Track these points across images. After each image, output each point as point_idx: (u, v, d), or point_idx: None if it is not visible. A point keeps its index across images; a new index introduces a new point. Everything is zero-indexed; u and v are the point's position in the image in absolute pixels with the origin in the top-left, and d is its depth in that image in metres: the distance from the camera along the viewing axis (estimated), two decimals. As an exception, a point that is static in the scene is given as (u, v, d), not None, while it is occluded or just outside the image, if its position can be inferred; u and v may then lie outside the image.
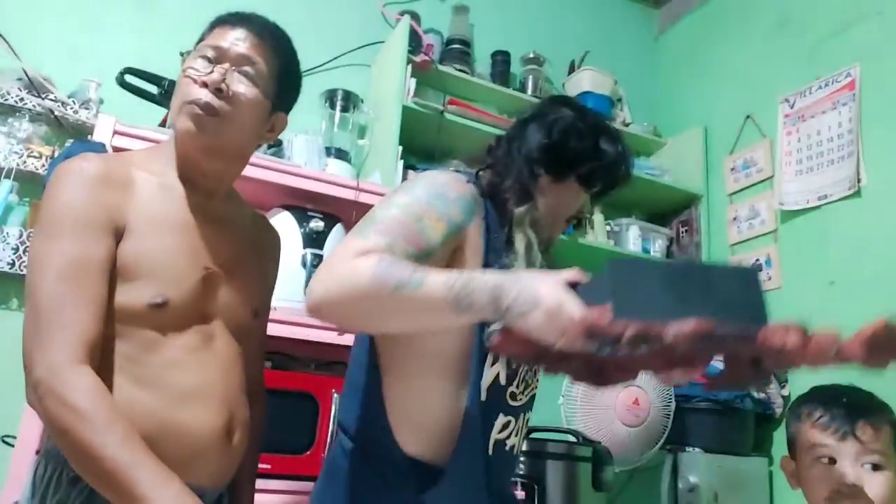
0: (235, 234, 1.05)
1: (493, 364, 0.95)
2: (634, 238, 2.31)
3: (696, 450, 1.86)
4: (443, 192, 0.92)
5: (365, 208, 1.69)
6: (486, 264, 0.94)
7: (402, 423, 0.94)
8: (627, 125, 2.62)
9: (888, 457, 0.93)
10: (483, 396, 0.94)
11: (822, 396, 1.00)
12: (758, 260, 2.19)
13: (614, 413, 1.76)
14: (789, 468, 1.05)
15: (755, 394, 1.90)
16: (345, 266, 0.79)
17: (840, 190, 1.95)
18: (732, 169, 2.39)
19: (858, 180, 1.90)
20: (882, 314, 0.68)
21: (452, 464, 0.92)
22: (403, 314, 0.80)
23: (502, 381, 0.97)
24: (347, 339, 1.24)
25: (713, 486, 1.79)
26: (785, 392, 1.95)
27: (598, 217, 2.32)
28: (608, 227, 2.35)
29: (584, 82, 2.56)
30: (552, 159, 1.02)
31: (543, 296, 0.73)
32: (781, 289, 2.08)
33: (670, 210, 2.54)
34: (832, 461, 0.95)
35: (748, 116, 2.37)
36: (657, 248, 2.41)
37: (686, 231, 2.48)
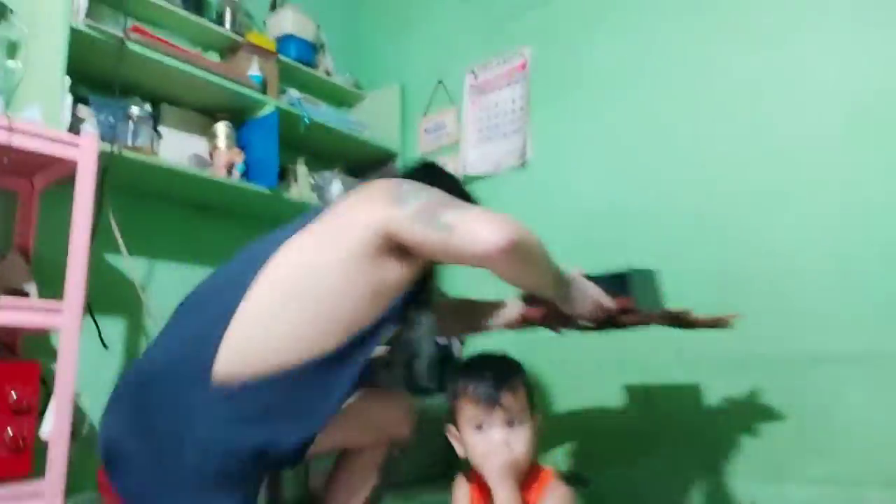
0: None
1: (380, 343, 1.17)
2: (338, 192, 2.34)
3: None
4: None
5: (20, 155, 1.42)
6: None
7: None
8: (329, 74, 2.60)
9: (525, 412, 1.15)
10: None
11: (472, 371, 1.17)
12: (443, 217, 2.40)
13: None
14: (454, 435, 1.20)
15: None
16: (511, 222, 1.05)
17: (511, 161, 2.24)
18: (426, 130, 2.55)
19: (525, 153, 2.20)
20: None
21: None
22: (538, 274, 1.15)
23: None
24: None
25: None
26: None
27: (301, 169, 2.28)
28: (312, 181, 2.32)
29: (286, 23, 2.45)
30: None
31: (591, 292, 1.25)
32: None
33: (369, 164, 2.62)
34: (482, 427, 1.14)
35: (440, 81, 2.54)
36: (355, 202, 2.47)
37: (382, 186, 2.60)
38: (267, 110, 2.15)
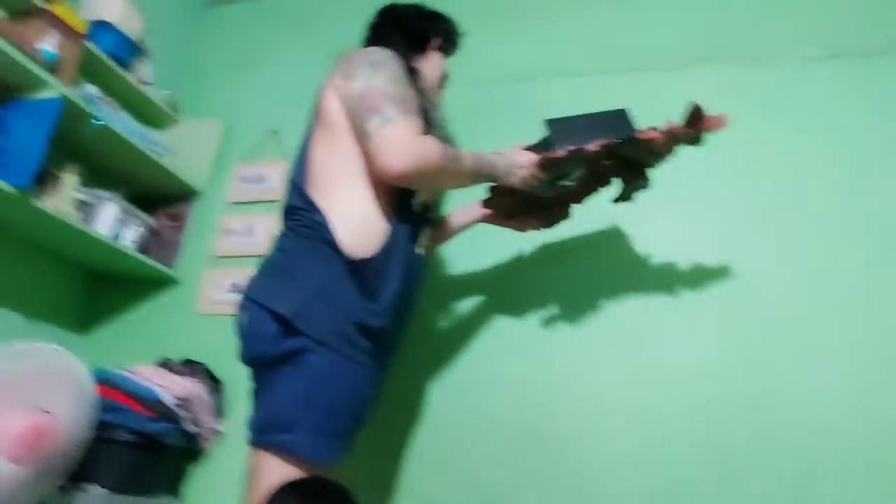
0: None
1: None
2: (109, 218, 1.89)
3: (100, 489, 1.53)
4: (398, 65, 1.25)
5: None
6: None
7: (344, 229, 1.18)
8: (145, 84, 2.20)
9: None
10: (416, 209, 1.29)
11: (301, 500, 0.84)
12: (238, 281, 2.05)
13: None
14: None
15: (188, 428, 1.70)
16: (418, 144, 1.16)
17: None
18: (242, 178, 2.22)
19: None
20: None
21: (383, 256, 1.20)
22: (450, 180, 1.25)
23: (428, 201, 1.34)
24: None
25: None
26: (220, 428, 1.82)
27: (69, 178, 1.80)
28: (79, 196, 1.85)
29: (109, 8, 2.05)
30: (419, 41, 1.44)
31: (520, 160, 1.30)
32: (250, 317, 1.97)
33: (161, 196, 2.20)
34: None
35: (274, 131, 2.26)
36: (130, 237, 2.02)
37: (173, 227, 2.18)
38: (48, 94, 1.70)
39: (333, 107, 1.23)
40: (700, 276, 1.57)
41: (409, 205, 1.27)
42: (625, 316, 1.60)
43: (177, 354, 1.92)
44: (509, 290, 1.74)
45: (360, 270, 1.17)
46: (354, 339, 1.16)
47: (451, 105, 1.55)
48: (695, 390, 1.48)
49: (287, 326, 1.11)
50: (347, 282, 1.16)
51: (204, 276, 2.10)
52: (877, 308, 1.41)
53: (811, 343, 1.44)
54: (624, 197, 1.44)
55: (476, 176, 1.27)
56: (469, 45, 1.55)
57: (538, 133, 1.33)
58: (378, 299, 1.19)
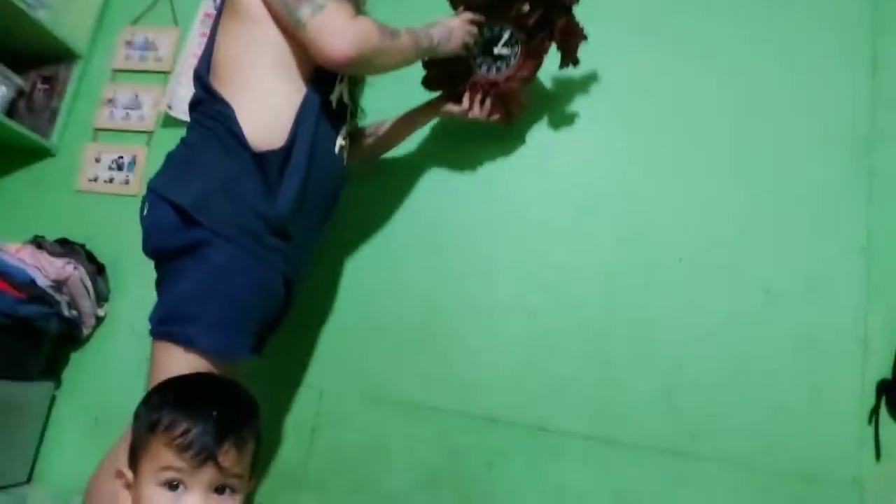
0: None
1: (340, 81, 1.29)
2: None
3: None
4: None
5: None
6: None
7: (251, 121, 1.15)
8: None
9: (243, 477, 0.81)
10: (334, 106, 1.27)
11: (189, 405, 0.79)
12: (121, 157, 1.89)
13: None
14: (124, 479, 0.82)
15: (65, 312, 1.61)
16: (356, 27, 1.16)
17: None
18: (128, 42, 2.00)
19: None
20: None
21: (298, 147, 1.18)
22: (395, 57, 1.25)
23: (345, 98, 1.31)
24: None
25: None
26: (101, 312, 1.74)
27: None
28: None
29: None
30: None
31: (452, 23, 1.38)
32: (138, 196, 1.85)
33: (34, 56, 1.95)
34: (177, 486, 0.77)
35: (168, -8, 2.03)
36: (-3, 98, 1.80)
37: (46, 90, 1.95)
38: None
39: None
40: (597, 194, 1.61)
41: (323, 100, 1.23)
42: (523, 229, 1.63)
43: (52, 233, 1.78)
44: (415, 201, 1.71)
45: (264, 164, 1.14)
46: (259, 234, 1.14)
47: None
48: (583, 299, 1.55)
49: (187, 218, 1.09)
50: (251, 175, 1.14)
51: (84, 150, 1.93)
52: (752, 238, 1.52)
53: (691, 268, 1.53)
54: (568, 60, 1.47)
55: (417, 48, 1.30)
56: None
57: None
58: (281, 194, 1.16)
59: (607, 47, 1.66)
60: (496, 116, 1.49)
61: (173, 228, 1.10)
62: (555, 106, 1.68)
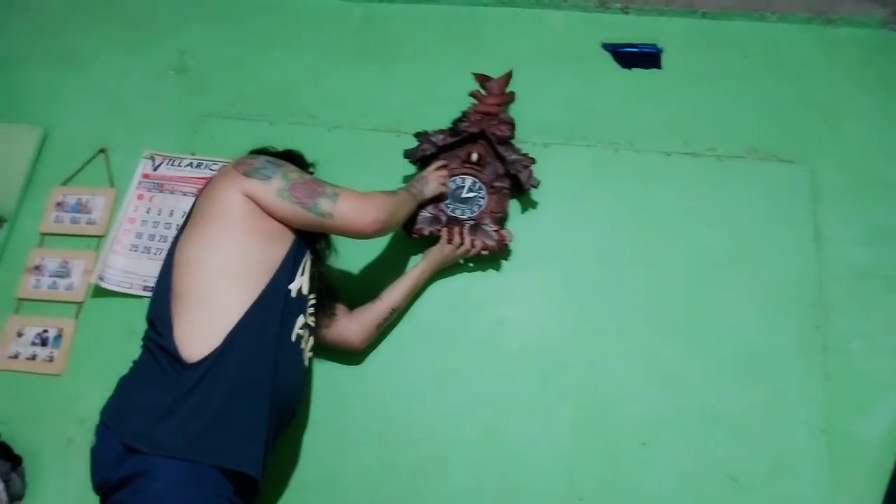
0: None
1: (302, 274, 1.31)
2: None
3: None
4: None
5: None
6: None
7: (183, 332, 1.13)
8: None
9: None
10: (293, 295, 1.27)
11: None
12: (45, 331, 1.75)
13: None
14: None
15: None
16: (372, 199, 1.33)
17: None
18: (59, 203, 1.90)
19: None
20: None
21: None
22: (405, 210, 1.46)
23: (304, 290, 1.32)
24: None
25: None
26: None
27: None
28: None
29: None
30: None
31: (426, 175, 1.61)
32: (62, 376, 1.70)
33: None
34: None
35: (102, 150, 1.96)
36: None
37: (-34, 259, 1.82)
38: None
39: (236, 202, 1.22)
40: (555, 371, 1.56)
41: (283, 291, 1.24)
42: (478, 413, 1.56)
43: (-39, 422, 1.62)
44: (362, 391, 1.63)
45: (194, 375, 1.10)
46: (200, 457, 1.08)
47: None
48: (546, 487, 1.47)
49: (129, 448, 1.07)
50: (187, 392, 1.09)
51: (5, 323, 1.78)
52: (714, 418, 1.48)
53: (655, 453, 1.48)
54: (524, 187, 1.65)
55: (412, 196, 1.52)
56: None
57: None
58: (211, 404, 1.10)
59: (562, 219, 1.66)
60: (484, 244, 1.59)
61: (117, 459, 1.07)
62: (505, 279, 1.66)
